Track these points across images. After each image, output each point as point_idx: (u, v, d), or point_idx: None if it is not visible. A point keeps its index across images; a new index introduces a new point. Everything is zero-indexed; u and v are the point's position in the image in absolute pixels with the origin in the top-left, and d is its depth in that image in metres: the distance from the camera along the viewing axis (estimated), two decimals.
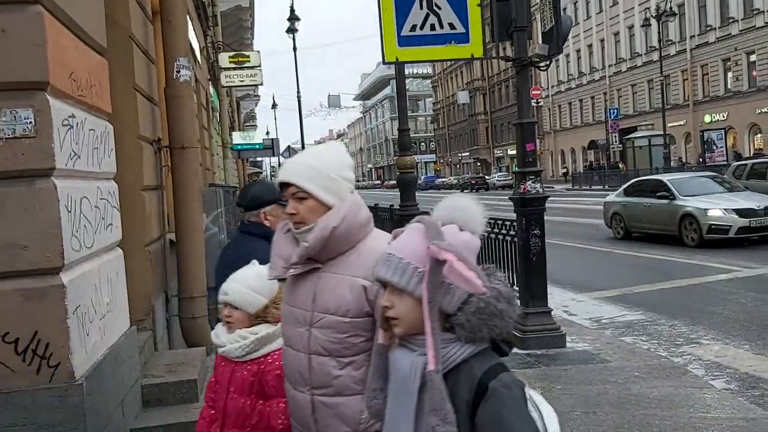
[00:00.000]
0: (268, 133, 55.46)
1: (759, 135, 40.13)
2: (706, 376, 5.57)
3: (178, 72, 5.64)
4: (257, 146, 26.69)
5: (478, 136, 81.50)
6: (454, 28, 6.35)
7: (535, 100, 53.71)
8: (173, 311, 6.05)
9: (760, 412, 4.57)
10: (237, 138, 25.14)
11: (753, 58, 40.12)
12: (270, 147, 27.89)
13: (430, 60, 6.58)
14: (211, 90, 16.60)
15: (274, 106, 56.52)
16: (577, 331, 7.01)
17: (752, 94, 40.03)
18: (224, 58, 18.83)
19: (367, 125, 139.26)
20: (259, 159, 49.84)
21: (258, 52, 20.52)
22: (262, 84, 21.69)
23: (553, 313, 6.65)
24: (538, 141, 58.85)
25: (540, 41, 6.25)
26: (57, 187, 3.14)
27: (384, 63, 6.78)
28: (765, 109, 38.66)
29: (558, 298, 8.77)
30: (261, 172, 66.49)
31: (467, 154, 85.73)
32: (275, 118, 57.61)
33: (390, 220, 14.88)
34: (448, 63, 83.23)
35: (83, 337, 3.32)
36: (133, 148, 5.08)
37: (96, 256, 3.68)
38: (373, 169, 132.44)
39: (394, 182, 12.00)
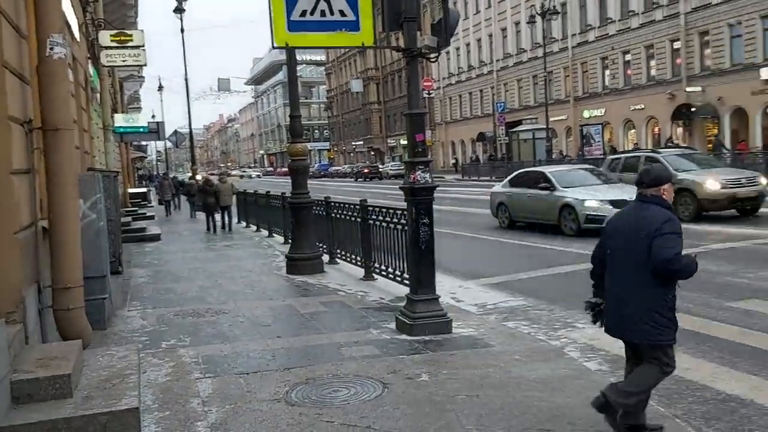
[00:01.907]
0: (153, 116, 53.36)
1: (633, 130, 42.77)
2: (581, 358, 5.87)
3: (51, 49, 5.28)
4: (141, 129, 25.65)
5: (372, 125, 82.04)
6: (345, 16, 6.33)
7: (426, 92, 54.72)
8: (47, 302, 5.71)
9: None
10: (119, 120, 24.04)
11: (628, 57, 42.64)
12: (155, 131, 26.87)
13: (321, 46, 6.55)
14: (91, 69, 15.74)
15: (160, 88, 54.46)
16: (463, 317, 7.21)
17: (627, 92, 42.56)
18: (105, 36, 17.90)
19: (259, 110, 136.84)
20: (143, 143, 47.90)
21: (142, 31, 19.65)
22: (145, 65, 20.82)
23: (440, 299, 6.79)
24: (429, 132, 60.14)
25: (429, 33, 6.34)
26: None
27: (273, 48, 6.67)
28: (638, 106, 41.24)
29: (447, 285, 8.98)
30: (145, 157, 63.91)
31: (361, 142, 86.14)
32: (161, 101, 55.60)
33: (282, 208, 14.76)
34: (342, 51, 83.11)
35: None
36: (0, 129, 4.73)
37: None
38: (265, 156, 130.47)
39: (287, 169, 11.99)
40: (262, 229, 17.86)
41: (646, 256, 3.88)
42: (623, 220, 4.20)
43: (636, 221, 4.04)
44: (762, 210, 15.50)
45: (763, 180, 15.83)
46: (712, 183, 15.26)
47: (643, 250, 3.89)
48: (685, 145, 32.34)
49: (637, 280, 3.97)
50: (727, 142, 34.66)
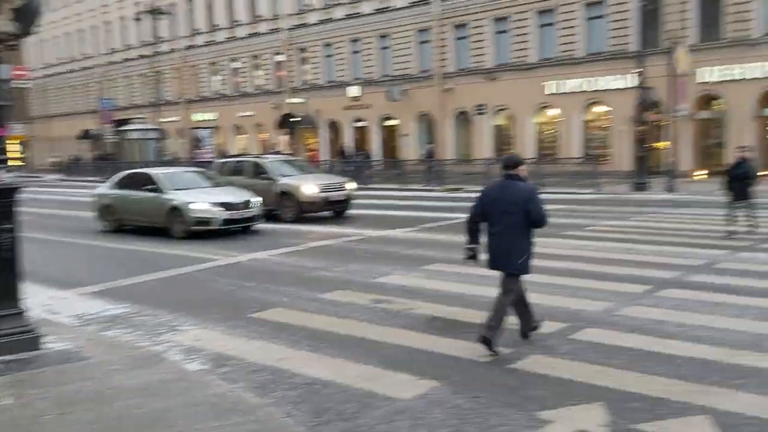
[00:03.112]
0: None
1: (243, 136, 44.48)
2: (183, 360, 5.91)
3: None
4: None
5: None
6: None
7: (18, 81, 48.84)
8: None
9: (226, 387, 5.07)
10: None
11: (236, 65, 44.26)
12: None
13: None
14: None
15: None
16: (58, 330, 6.64)
17: (236, 98, 44.13)
18: None
19: None
20: None
21: None
22: None
23: (31, 313, 6.15)
24: (21, 126, 53.79)
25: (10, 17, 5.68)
26: None
27: None
28: (247, 113, 43.06)
29: (40, 297, 8.18)
30: None
31: None
32: None
33: None
34: None
35: None
36: None
37: None
38: None
39: None
40: None
41: (521, 216, 5.77)
42: (500, 191, 5.95)
43: (511, 192, 5.85)
44: (350, 212, 17.57)
45: (349, 185, 17.95)
46: (310, 187, 16.76)
47: (519, 212, 5.76)
48: (288, 152, 34.90)
49: (515, 233, 5.84)
50: (325, 151, 38.48)
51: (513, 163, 6.04)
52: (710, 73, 25.52)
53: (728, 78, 25.35)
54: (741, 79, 25.04)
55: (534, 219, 5.80)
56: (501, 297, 5.93)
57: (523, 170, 6.00)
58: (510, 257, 5.87)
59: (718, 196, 12.79)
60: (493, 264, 6.00)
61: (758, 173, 13.13)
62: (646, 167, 22.66)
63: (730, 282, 8.30)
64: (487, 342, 5.75)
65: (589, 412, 4.54)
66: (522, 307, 6.16)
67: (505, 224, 5.82)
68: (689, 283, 8.37)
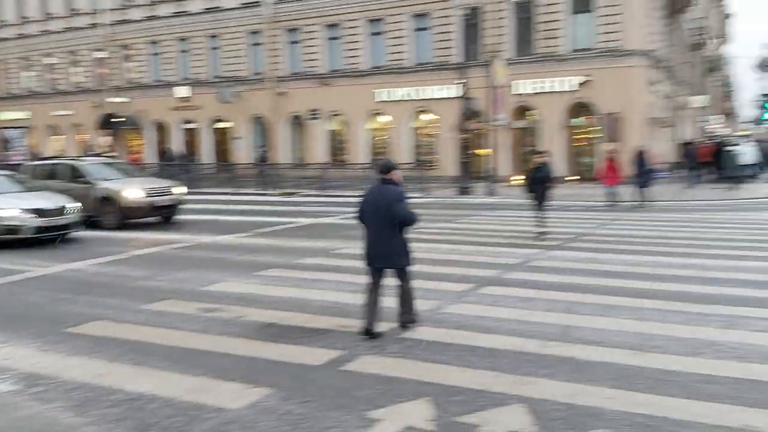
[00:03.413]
0: None
1: (60, 136, 41.28)
2: None
3: None
4: None
5: None
6: None
7: None
8: None
9: (38, 407, 4.69)
10: None
11: (51, 60, 41.04)
12: None
13: None
14: None
15: None
16: None
17: (52, 96, 40.93)
18: None
19: None
20: None
21: None
22: None
23: None
24: None
25: None
26: None
27: None
28: (64, 113, 40.05)
29: None
30: None
31: None
32: None
33: None
34: None
35: None
36: None
37: None
38: None
39: None
40: None
41: (392, 217, 6.26)
42: (373, 196, 6.46)
43: (381, 196, 6.38)
44: (179, 217, 16.91)
45: (177, 189, 17.24)
46: (134, 192, 15.91)
47: (388, 213, 6.26)
48: (112, 154, 32.92)
49: (387, 232, 6.34)
50: (151, 154, 36.72)
51: (386, 168, 6.55)
52: (524, 86, 27.58)
53: (540, 90, 27.57)
54: (551, 92, 27.33)
55: (399, 220, 6.30)
56: (403, 287, 6.55)
57: (396, 174, 6.48)
58: (391, 257, 6.43)
59: (529, 199, 13.80)
60: (369, 261, 6.52)
61: (555, 176, 14.49)
62: (470, 172, 24.02)
63: (541, 279, 9.03)
64: (409, 322, 6.60)
65: (416, 408, 4.73)
66: (373, 305, 6.51)
67: (379, 225, 6.35)
68: (506, 281, 8.99)
